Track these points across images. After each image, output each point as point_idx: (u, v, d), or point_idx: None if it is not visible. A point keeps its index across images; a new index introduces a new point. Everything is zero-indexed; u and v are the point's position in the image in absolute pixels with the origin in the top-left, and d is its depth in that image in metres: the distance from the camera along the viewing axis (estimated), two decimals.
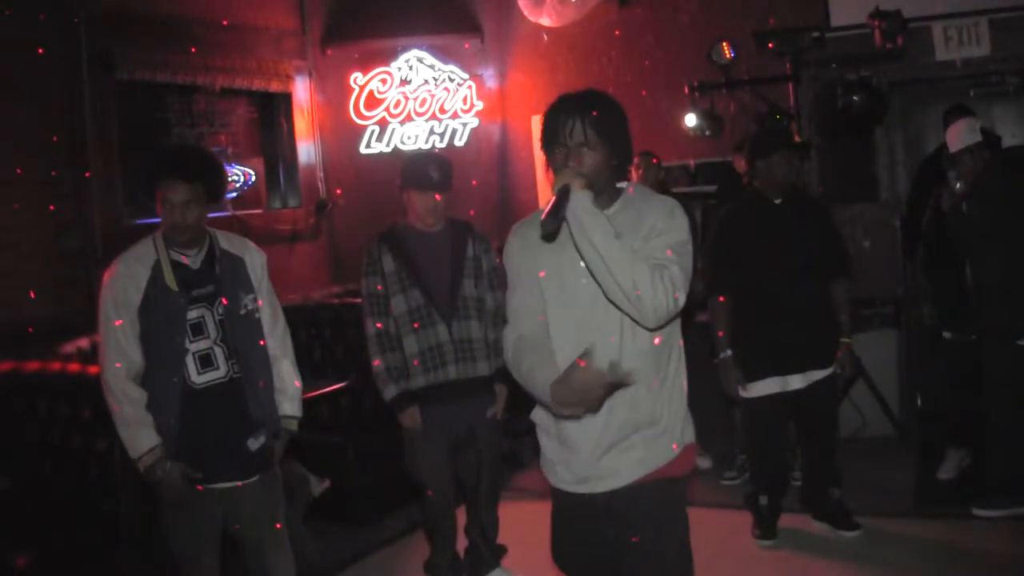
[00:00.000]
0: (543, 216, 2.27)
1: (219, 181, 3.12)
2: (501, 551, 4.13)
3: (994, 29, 5.75)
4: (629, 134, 2.46)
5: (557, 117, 2.40)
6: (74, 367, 4.18)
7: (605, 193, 2.41)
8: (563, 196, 2.26)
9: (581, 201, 2.26)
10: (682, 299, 2.30)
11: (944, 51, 5.86)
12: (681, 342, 2.56)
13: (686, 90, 6.00)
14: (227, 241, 3.16)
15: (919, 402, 5.05)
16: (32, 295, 5.00)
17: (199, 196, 2.99)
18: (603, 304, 2.35)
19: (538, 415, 2.53)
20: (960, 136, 4.42)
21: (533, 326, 2.46)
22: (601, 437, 2.40)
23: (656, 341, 2.41)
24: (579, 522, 2.53)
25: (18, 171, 4.99)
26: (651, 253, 2.31)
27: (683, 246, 2.37)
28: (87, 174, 5.33)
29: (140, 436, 2.94)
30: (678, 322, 2.49)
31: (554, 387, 2.24)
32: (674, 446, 2.49)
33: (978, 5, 5.78)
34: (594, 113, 2.38)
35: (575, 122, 2.37)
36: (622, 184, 2.50)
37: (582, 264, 2.35)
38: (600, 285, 2.30)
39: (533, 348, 2.41)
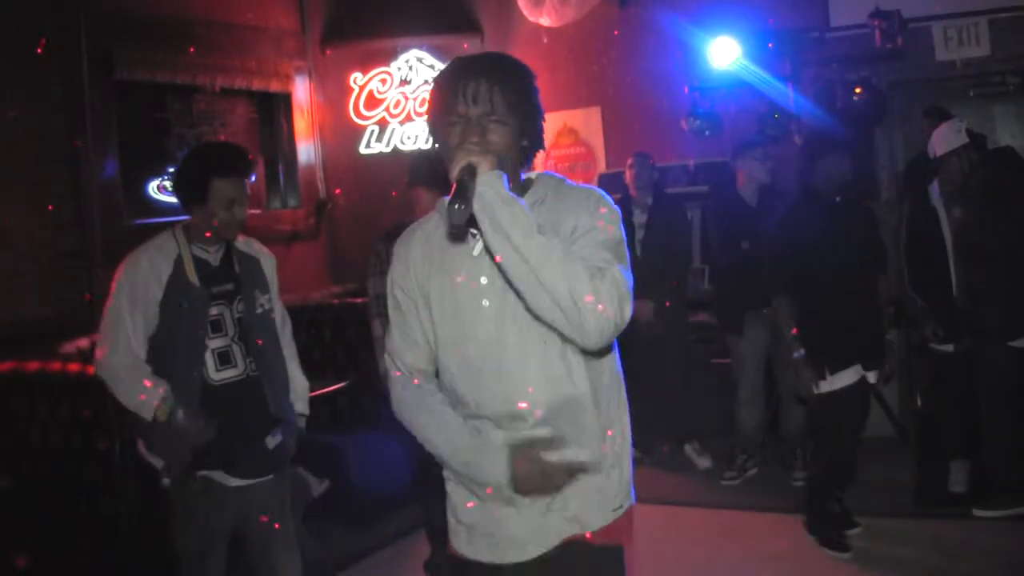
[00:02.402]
0: (448, 203, 1.76)
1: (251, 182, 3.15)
2: None
3: (994, 29, 5.74)
4: (542, 110, 1.97)
5: (456, 81, 1.87)
6: (74, 367, 4.18)
7: (510, 185, 1.87)
8: (467, 177, 1.76)
9: (492, 185, 1.73)
10: (628, 309, 1.78)
11: (944, 51, 5.85)
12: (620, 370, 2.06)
13: (686, 90, 6.00)
14: (243, 241, 3.17)
15: (919, 402, 5.04)
16: (32, 295, 5.00)
17: (248, 195, 3.03)
18: (516, 332, 1.87)
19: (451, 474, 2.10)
20: (946, 139, 4.43)
21: (428, 369, 2.03)
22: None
23: (594, 374, 1.93)
24: None
25: (17, 171, 4.99)
26: (581, 254, 1.80)
27: (619, 246, 1.87)
28: (87, 174, 5.33)
29: (141, 390, 2.88)
30: (615, 351, 2.02)
31: (521, 467, 1.87)
32: (618, 508, 2.00)
33: (978, 5, 5.78)
34: (503, 77, 1.89)
35: (479, 87, 1.86)
36: (529, 173, 2.01)
37: (483, 280, 1.89)
38: (522, 296, 1.77)
39: (457, 426, 1.97)
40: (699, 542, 4.53)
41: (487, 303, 1.89)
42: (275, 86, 6.73)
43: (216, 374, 2.99)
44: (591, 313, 1.72)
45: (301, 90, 6.98)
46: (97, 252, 5.29)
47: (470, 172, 1.76)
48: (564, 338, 1.83)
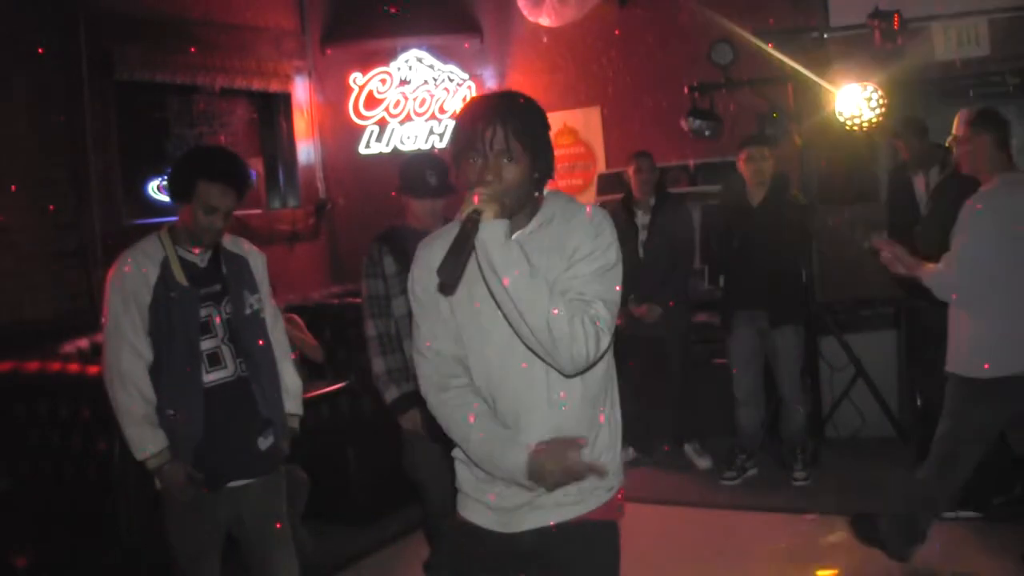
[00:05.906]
0: (444, 257, 1.95)
1: (246, 193, 3.15)
2: None
3: (994, 29, 5.74)
4: (551, 144, 2.17)
5: (475, 123, 2.06)
6: (74, 367, 4.18)
7: (523, 210, 2.11)
8: (470, 228, 1.96)
9: (492, 234, 1.96)
10: (606, 341, 2.03)
11: (944, 51, 5.85)
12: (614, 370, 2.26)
13: (686, 90, 6.00)
14: (231, 241, 3.16)
15: (919, 402, 5.04)
16: (32, 295, 5.00)
17: (233, 206, 3.03)
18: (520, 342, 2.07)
19: (460, 451, 2.25)
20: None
21: (451, 363, 2.17)
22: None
23: (587, 377, 2.12)
24: (494, 567, 2.20)
25: (17, 171, 4.99)
26: (572, 285, 2.04)
27: (610, 271, 2.08)
28: (87, 174, 5.33)
29: (149, 436, 2.93)
30: (612, 357, 2.21)
31: (542, 461, 2.07)
32: (611, 489, 2.21)
33: (978, 5, 5.78)
34: (518, 119, 2.06)
35: (496, 130, 2.04)
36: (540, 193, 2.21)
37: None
38: (512, 328, 2.03)
39: (484, 414, 2.15)
40: (699, 542, 4.53)
41: (499, 313, 2.07)
42: (275, 86, 6.74)
43: (206, 376, 2.99)
44: (566, 349, 1.98)
45: (301, 90, 6.99)
46: (97, 252, 5.29)
47: (475, 220, 1.97)
48: None
